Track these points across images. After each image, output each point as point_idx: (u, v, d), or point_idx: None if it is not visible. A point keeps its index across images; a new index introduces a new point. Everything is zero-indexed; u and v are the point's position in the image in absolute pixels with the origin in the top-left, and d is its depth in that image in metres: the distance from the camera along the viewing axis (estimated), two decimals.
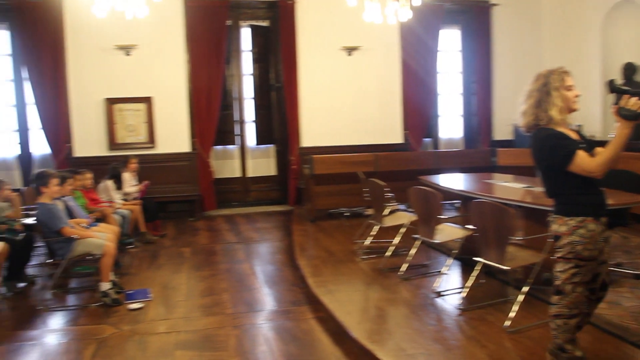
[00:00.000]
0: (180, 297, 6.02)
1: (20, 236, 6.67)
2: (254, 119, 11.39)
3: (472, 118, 11.90)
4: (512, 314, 4.40)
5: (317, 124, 10.88)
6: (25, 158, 10.47)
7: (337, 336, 4.69)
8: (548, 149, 3.42)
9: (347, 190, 9.09)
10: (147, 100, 10.38)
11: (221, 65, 10.54)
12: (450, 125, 12.10)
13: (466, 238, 5.42)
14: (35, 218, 6.43)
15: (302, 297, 5.83)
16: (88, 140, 10.31)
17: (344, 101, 10.99)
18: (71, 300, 6.23)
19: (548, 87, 3.44)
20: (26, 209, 7.68)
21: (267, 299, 5.89)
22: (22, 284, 6.51)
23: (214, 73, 10.45)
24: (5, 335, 5.16)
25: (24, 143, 10.55)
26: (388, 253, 6.43)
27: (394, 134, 11.25)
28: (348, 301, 5.34)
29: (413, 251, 6.02)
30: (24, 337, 5.13)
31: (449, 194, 6.18)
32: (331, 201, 9.29)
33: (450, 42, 11.87)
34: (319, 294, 5.50)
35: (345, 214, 9.47)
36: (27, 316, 5.68)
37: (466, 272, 5.78)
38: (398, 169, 9.27)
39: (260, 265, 7.26)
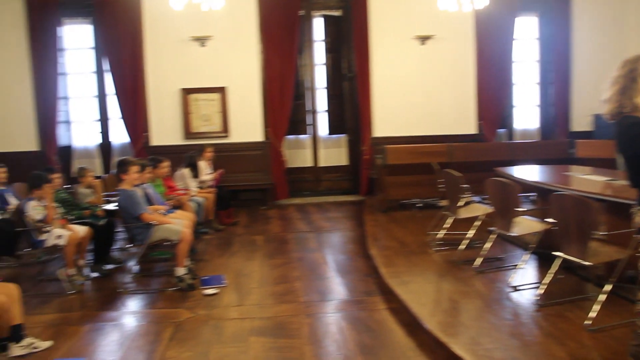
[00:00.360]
0: (253, 284, 6.13)
1: (102, 221, 6.94)
2: (326, 108, 11.43)
3: (549, 108, 11.52)
4: (593, 313, 4.23)
5: (389, 114, 10.81)
6: (105, 147, 10.91)
7: (411, 327, 4.66)
8: (632, 138, 3.28)
9: (419, 180, 8.98)
10: (221, 90, 10.58)
11: (294, 55, 10.61)
12: (526, 116, 11.76)
13: (544, 232, 5.27)
14: (116, 204, 6.67)
15: (375, 288, 5.82)
16: (164, 130, 10.62)
17: (417, 91, 10.86)
18: (149, 284, 6.44)
19: (634, 73, 3.29)
20: (107, 196, 7.97)
21: (339, 288, 5.91)
22: (109, 266, 6.80)
23: (286, 63, 10.54)
24: (89, 315, 5.42)
25: (105, 132, 10.98)
26: (462, 246, 6.32)
27: (467, 125, 11.03)
28: (422, 293, 5.30)
29: (488, 244, 5.89)
30: (106, 317, 5.38)
31: (524, 186, 6.02)
32: (403, 192, 9.21)
33: (527, 30, 11.51)
34: (393, 284, 5.46)
35: (418, 205, 9.37)
36: (108, 298, 5.93)
37: (543, 266, 5.61)
38: (472, 160, 9.08)
39: (332, 255, 7.30)
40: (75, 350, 4.59)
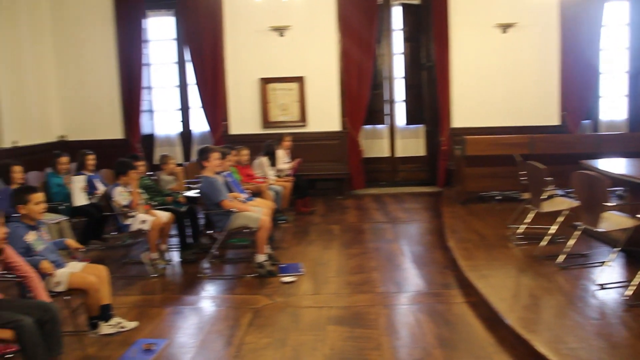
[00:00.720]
0: (330, 273, 6.17)
1: (184, 208, 7.14)
2: (403, 98, 11.33)
3: (639, 98, 10.98)
4: None
5: (468, 104, 10.59)
6: (186, 135, 11.22)
7: (490, 322, 4.57)
8: None
9: (499, 172, 8.76)
10: (299, 80, 10.65)
11: (372, 45, 10.55)
12: (613, 107, 11.25)
13: (634, 228, 5.04)
14: (197, 191, 6.83)
15: (453, 280, 5.74)
16: (243, 119, 10.80)
17: (498, 80, 10.58)
18: (228, 270, 6.60)
19: None
20: (188, 183, 8.18)
21: (417, 280, 5.86)
22: (195, 252, 6.99)
23: (364, 52, 10.48)
24: (171, 298, 5.62)
25: (185, 121, 11.28)
26: (544, 241, 6.11)
27: (550, 116, 10.66)
28: (502, 287, 5.18)
29: (572, 240, 5.67)
30: (186, 301, 5.56)
31: (612, 180, 5.75)
32: (482, 184, 9.00)
33: (616, 16, 10.97)
34: (472, 278, 5.36)
35: (497, 198, 9.14)
36: (188, 282, 6.14)
37: (632, 265, 5.40)
38: (555, 152, 8.74)
39: (409, 246, 7.25)
40: (157, 331, 4.76)
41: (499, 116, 10.51)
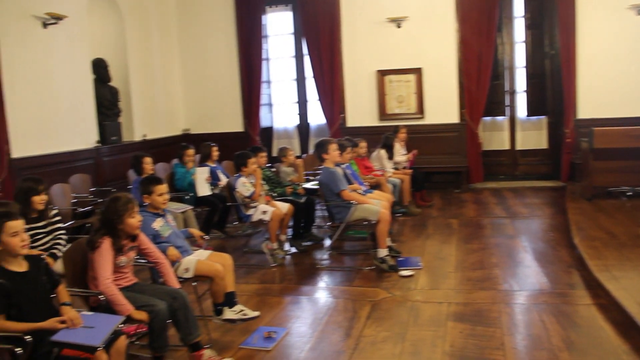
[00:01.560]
0: (449, 268, 6.06)
1: (303, 199, 7.25)
2: (525, 89, 10.89)
3: None
4: None
5: (596, 94, 9.97)
6: (303, 128, 11.42)
7: (623, 328, 4.30)
8: None
9: (630, 166, 8.23)
10: (416, 71, 10.52)
11: (492, 34, 10.22)
12: None
13: None
14: (316, 182, 6.92)
15: (579, 280, 5.46)
16: (360, 111, 10.84)
17: (630, 68, 9.84)
18: (345, 261, 6.64)
19: None
20: (307, 175, 8.31)
21: (540, 278, 5.62)
22: (307, 243, 7.11)
23: (484, 42, 10.18)
24: (289, 288, 5.74)
25: (303, 114, 11.47)
26: None
27: None
28: (636, 290, 4.84)
29: None
30: (305, 291, 5.66)
31: None
32: (611, 178, 8.46)
33: None
34: (601, 279, 5.07)
35: (627, 193, 8.57)
36: (306, 272, 6.24)
37: None
38: None
39: (532, 242, 6.97)
40: (277, 320, 4.88)
41: (631, 106, 9.79)
